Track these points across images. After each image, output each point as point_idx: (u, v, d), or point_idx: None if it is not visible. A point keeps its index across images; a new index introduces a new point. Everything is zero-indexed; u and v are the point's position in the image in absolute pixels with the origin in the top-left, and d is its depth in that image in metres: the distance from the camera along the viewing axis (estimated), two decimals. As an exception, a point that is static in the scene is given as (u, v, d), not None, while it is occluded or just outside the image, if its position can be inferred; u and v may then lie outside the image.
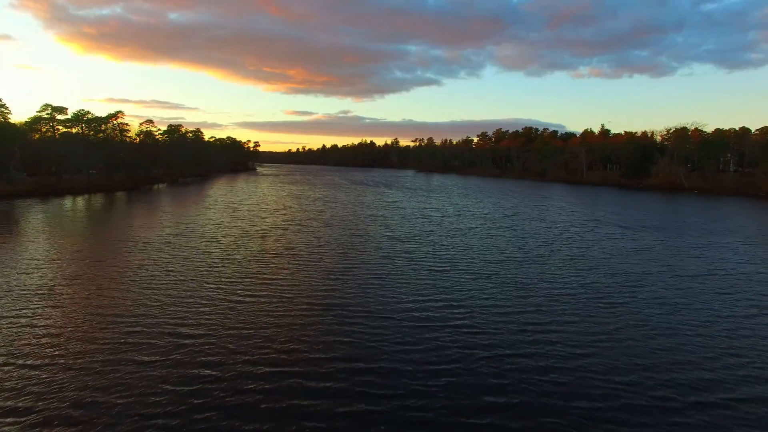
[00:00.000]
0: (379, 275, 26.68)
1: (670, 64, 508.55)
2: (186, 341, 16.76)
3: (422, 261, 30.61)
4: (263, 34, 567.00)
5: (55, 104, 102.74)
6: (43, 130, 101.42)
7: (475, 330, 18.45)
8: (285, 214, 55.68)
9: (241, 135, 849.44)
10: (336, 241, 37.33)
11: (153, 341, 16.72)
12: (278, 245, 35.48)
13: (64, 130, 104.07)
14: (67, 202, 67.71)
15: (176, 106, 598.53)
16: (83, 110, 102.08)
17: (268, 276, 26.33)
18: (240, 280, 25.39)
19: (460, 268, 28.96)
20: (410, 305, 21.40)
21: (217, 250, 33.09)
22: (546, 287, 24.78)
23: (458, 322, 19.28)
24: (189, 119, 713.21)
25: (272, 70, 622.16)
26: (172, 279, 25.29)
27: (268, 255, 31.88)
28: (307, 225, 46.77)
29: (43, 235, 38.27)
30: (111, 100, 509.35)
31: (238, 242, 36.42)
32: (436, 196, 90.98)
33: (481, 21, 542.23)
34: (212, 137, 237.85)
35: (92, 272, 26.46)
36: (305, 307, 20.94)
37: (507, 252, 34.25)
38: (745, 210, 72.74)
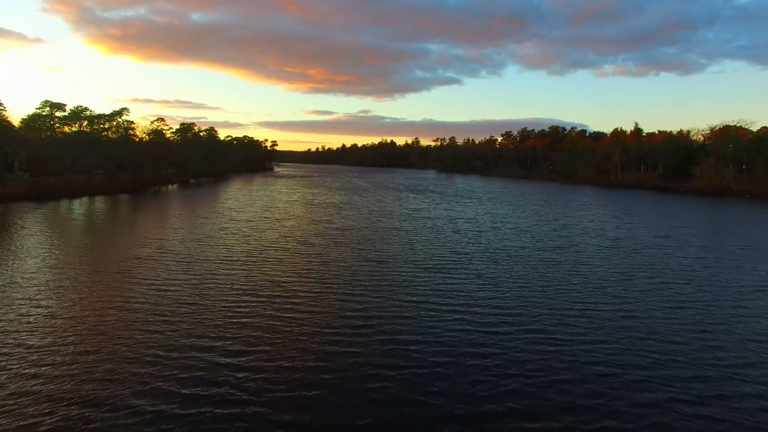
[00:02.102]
0: (400, 339, 17.60)
1: (700, 61, 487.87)
2: None
3: (461, 310, 21.38)
4: (284, 34, 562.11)
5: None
6: (44, 127, 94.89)
7: None
8: (289, 226, 47.02)
9: (262, 134, 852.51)
10: (345, 271, 28.41)
11: None
12: (266, 275, 26.68)
13: (68, 129, 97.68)
14: (57, 206, 60.07)
15: (198, 106, 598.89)
16: (81, 106, 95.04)
17: (239, 334, 17.49)
18: (197, 339, 16.61)
19: (516, 323, 19.68)
20: (446, 410, 12.29)
21: (184, 284, 24.40)
22: (663, 374, 15.33)
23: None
24: (211, 119, 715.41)
25: (293, 70, 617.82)
26: (99, 336, 16.61)
27: (248, 293, 23.03)
28: (311, 243, 37.97)
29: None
30: (136, 100, 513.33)
31: (216, 271, 27.73)
32: (465, 201, 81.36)
33: (502, 19, 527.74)
34: (228, 136, 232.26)
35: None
36: (276, 407, 12.04)
37: (575, 291, 24.81)
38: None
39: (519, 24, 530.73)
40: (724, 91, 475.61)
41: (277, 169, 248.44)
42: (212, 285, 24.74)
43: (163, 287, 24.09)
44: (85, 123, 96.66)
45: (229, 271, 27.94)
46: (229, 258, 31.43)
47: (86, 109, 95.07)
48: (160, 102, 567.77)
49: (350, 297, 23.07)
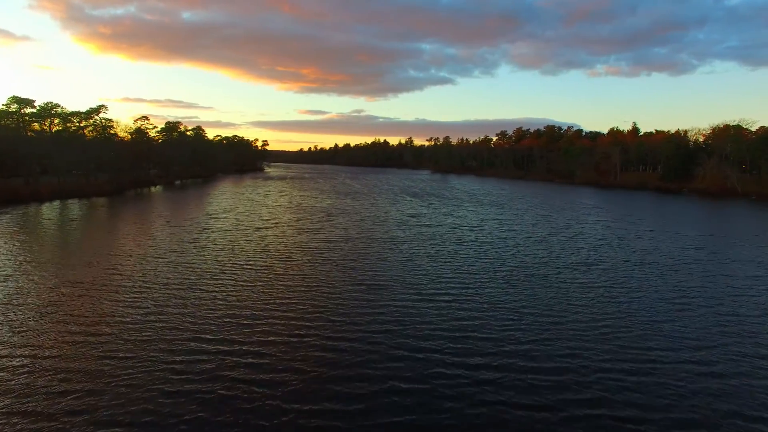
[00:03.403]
0: (403, 423, 12.15)
1: (690, 61, 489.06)
2: None
3: (483, 375, 15.89)
4: (276, 33, 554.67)
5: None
6: (12, 125, 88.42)
7: None
8: (270, 238, 41.32)
9: (255, 134, 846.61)
10: (330, 302, 22.84)
11: None
12: (232, 309, 20.99)
13: (38, 127, 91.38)
14: (18, 212, 53.82)
15: (190, 105, 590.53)
16: (51, 103, 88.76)
17: (184, 398, 11.92)
18: (124, 407, 11.02)
19: (567, 398, 14.28)
20: None
21: (124, 322, 18.71)
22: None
23: None
24: (203, 118, 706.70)
25: (285, 69, 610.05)
26: None
27: (204, 334, 17.39)
28: (293, 259, 32.35)
29: None
30: (126, 99, 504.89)
31: (170, 302, 22.02)
32: (465, 205, 75.86)
33: (495, 19, 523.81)
34: (217, 136, 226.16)
35: None
36: None
37: (623, 331, 19.39)
38: None
39: (512, 24, 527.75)
40: (715, 92, 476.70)
41: (268, 170, 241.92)
42: (160, 324, 19.06)
43: (97, 327, 18.38)
44: (57, 120, 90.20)
45: (186, 301, 22.27)
46: (191, 283, 25.70)
47: (57, 105, 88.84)
48: (151, 101, 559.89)
49: (335, 343, 17.51)
